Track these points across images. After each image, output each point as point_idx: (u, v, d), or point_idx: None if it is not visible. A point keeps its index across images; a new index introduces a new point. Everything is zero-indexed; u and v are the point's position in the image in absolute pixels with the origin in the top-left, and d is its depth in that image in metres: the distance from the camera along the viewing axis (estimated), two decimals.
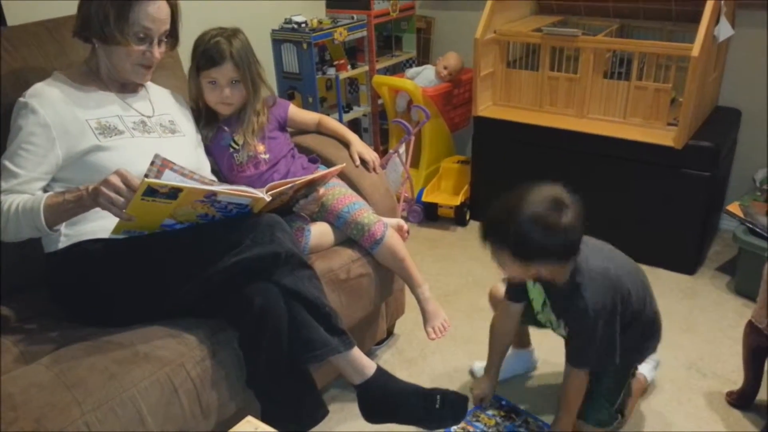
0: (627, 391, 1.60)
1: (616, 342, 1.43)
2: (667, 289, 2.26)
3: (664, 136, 2.21)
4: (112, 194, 1.17)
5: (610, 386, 1.55)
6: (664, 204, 2.28)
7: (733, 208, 2.22)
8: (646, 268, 2.36)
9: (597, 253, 1.44)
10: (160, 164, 1.18)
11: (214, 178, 1.67)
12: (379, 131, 3.12)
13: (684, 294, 2.23)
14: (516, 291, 1.59)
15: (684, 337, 2.00)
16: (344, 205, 1.66)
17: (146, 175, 1.17)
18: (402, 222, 1.80)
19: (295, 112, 1.87)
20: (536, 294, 1.54)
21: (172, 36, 1.50)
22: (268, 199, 1.31)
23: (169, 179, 1.19)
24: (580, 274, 1.38)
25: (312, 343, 1.32)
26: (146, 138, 1.48)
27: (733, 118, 2.46)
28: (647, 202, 2.32)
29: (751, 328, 1.61)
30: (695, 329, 2.04)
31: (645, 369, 1.77)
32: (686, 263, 2.35)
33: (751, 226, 2.11)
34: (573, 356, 1.49)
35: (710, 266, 2.39)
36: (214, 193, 1.23)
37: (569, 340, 1.53)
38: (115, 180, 1.17)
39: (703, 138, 2.21)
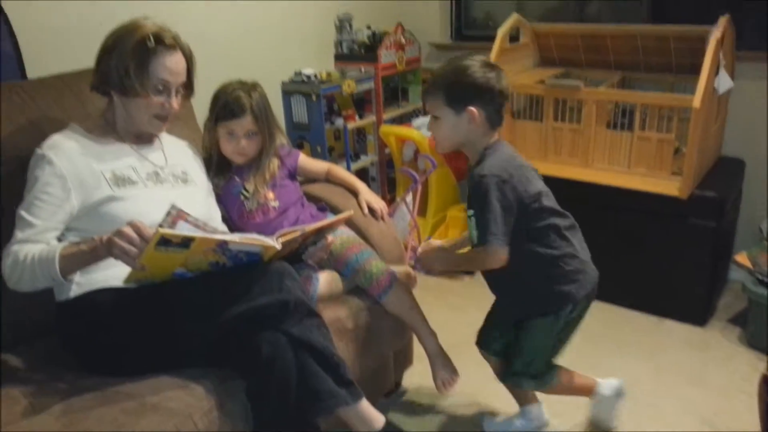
0: (546, 356, 1.59)
1: (505, 220, 1.43)
2: (677, 340, 2.24)
3: (669, 186, 2.23)
4: (126, 245, 1.19)
5: (528, 345, 1.57)
6: (671, 254, 2.28)
7: (741, 258, 2.21)
8: (655, 319, 2.38)
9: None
10: (175, 214, 1.20)
11: (225, 227, 1.69)
12: (387, 180, 3.15)
13: (695, 346, 2.21)
14: None
15: (696, 391, 1.97)
16: (353, 254, 1.66)
17: (160, 225, 1.19)
18: (410, 270, 1.80)
19: (305, 161, 1.90)
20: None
21: (188, 87, 1.54)
22: (279, 247, 1.32)
23: (182, 230, 1.21)
24: (489, 149, 1.49)
25: (320, 394, 1.31)
26: (159, 188, 1.50)
27: (737, 168, 2.48)
28: (654, 252, 2.32)
29: (766, 383, 1.58)
30: (707, 383, 2.01)
31: (605, 386, 1.72)
32: (696, 314, 2.32)
33: (760, 277, 2.10)
34: (480, 235, 1.45)
35: (721, 318, 2.37)
36: (225, 243, 1.24)
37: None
38: (129, 231, 1.19)
39: (708, 188, 2.23)
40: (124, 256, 1.20)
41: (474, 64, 1.44)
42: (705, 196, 2.19)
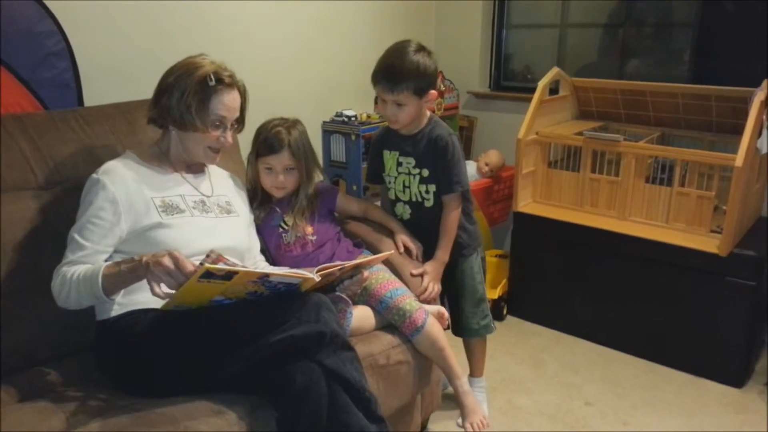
0: (483, 294, 1.98)
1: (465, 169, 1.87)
2: (713, 401, 2.17)
3: (708, 243, 2.21)
4: (163, 277, 1.22)
5: (470, 283, 1.94)
6: (708, 312, 2.23)
7: None
8: (691, 378, 2.31)
9: None
10: (214, 257, 1.22)
11: (263, 259, 1.72)
12: None
13: (731, 408, 2.13)
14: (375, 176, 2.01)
15: None
16: (387, 291, 1.67)
17: (201, 263, 1.21)
18: (443, 310, 1.80)
19: (344, 198, 1.94)
20: (391, 161, 1.92)
21: (240, 122, 1.61)
22: (318, 279, 1.34)
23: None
24: (432, 118, 1.87)
25: (350, 428, 1.30)
26: (204, 217, 1.55)
27: None
28: (690, 309, 2.27)
29: None
30: None
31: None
32: (733, 375, 2.25)
33: None
34: (447, 186, 1.83)
35: (759, 380, 2.29)
36: (267, 276, 1.26)
37: (437, 176, 1.85)
38: (167, 263, 1.22)
39: (748, 247, 2.19)
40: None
41: (423, 57, 1.74)
42: (745, 255, 2.16)
